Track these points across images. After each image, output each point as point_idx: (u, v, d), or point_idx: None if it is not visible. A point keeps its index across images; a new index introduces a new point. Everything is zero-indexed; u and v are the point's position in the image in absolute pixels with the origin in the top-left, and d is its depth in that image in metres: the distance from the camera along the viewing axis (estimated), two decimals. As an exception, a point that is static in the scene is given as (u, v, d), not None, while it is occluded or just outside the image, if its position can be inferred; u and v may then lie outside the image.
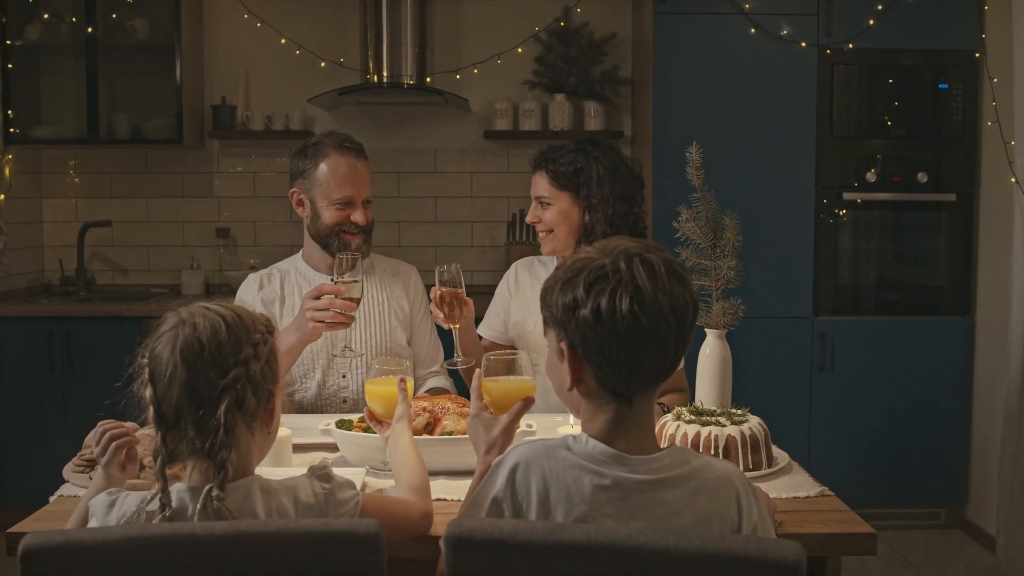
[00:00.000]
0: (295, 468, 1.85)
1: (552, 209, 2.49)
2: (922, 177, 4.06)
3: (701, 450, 1.88)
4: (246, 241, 4.62)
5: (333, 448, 2.07)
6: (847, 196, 4.07)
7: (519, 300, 2.64)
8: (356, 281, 2.26)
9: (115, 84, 4.44)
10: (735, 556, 1.16)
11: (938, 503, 4.17)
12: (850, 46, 4.02)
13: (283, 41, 4.46)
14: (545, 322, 1.39)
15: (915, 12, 4.00)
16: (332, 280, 2.28)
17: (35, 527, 1.64)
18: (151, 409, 1.35)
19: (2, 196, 4.18)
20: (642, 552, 1.16)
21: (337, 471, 1.50)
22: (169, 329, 1.37)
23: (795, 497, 1.81)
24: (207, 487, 1.33)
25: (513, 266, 2.74)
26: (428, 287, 2.41)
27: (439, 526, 1.53)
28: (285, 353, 2.34)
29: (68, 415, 3.95)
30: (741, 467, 1.86)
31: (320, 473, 1.45)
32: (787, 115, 4.04)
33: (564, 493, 1.31)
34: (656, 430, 1.98)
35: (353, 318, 2.29)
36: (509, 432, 1.65)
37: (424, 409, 1.99)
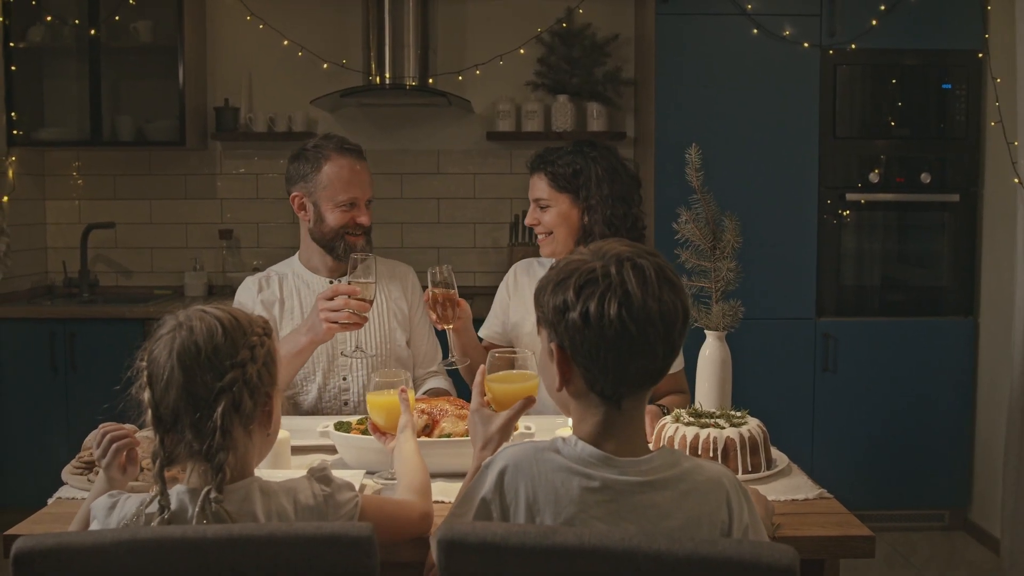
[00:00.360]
0: (294, 470, 1.85)
1: (551, 211, 2.49)
2: (925, 178, 4.04)
3: (700, 452, 1.87)
4: (249, 243, 4.62)
5: (331, 450, 2.07)
6: (850, 197, 4.06)
7: (518, 302, 2.64)
8: (371, 282, 2.29)
9: (118, 86, 4.46)
10: (728, 560, 1.15)
11: (942, 505, 4.15)
12: (853, 46, 4.01)
13: (285, 43, 4.46)
14: (537, 321, 1.40)
15: (918, 12, 3.99)
16: (348, 281, 2.30)
17: (32, 529, 1.65)
18: (149, 412, 1.37)
19: (6, 198, 4.19)
20: (635, 556, 1.16)
21: (335, 473, 1.50)
22: (166, 332, 1.39)
23: (793, 500, 1.80)
24: (205, 489, 1.33)
25: (512, 268, 2.74)
26: (426, 288, 2.41)
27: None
28: (296, 355, 2.35)
29: (70, 417, 3.95)
30: (740, 469, 1.86)
31: (319, 475, 1.45)
32: (790, 116, 4.04)
33: (552, 496, 1.31)
34: (655, 432, 1.98)
35: (367, 319, 2.31)
36: (506, 430, 1.65)
37: (422, 411, 1.99)
